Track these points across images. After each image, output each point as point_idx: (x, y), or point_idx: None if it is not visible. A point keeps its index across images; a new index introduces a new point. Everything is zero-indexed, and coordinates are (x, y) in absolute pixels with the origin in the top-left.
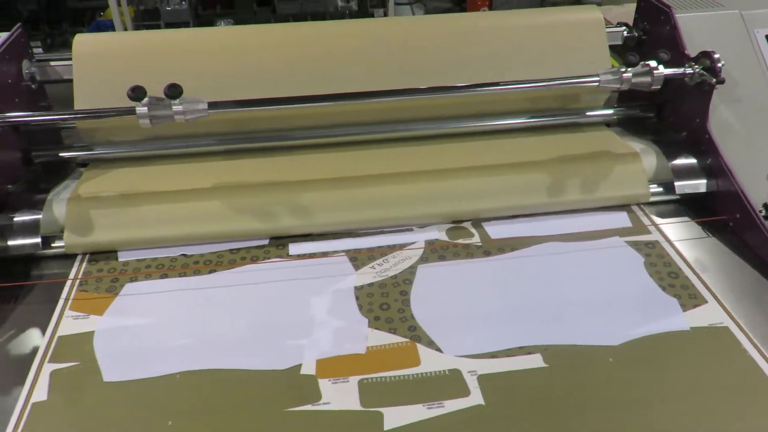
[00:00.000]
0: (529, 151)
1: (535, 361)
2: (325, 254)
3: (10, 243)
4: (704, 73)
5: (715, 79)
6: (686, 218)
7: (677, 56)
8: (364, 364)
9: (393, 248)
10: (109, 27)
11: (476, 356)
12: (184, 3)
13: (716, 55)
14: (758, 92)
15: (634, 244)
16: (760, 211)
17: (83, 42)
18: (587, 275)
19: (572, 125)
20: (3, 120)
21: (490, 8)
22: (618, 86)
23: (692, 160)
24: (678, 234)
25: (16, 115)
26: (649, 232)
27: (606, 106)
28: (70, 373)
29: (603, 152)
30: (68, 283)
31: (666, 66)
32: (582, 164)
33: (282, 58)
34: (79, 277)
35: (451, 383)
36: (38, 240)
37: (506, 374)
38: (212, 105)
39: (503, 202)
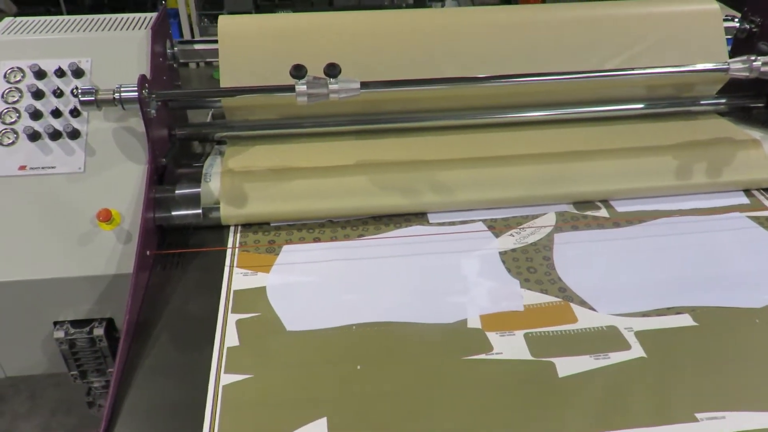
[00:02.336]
0: (650, 136)
1: (685, 320)
2: (463, 222)
3: (174, 213)
4: None
5: None
6: None
7: None
8: (525, 320)
9: (527, 218)
10: (172, 15)
11: (629, 315)
12: None
13: None
14: None
15: (756, 219)
16: None
17: (227, 23)
18: (718, 245)
19: (685, 113)
20: (179, 95)
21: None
22: (747, 74)
23: None
24: None
25: (197, 91)
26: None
27: (716, 95)
28: (253, 323)
29: (724, 139)
30: (231, 245)
31: None
32: (705, 150)
33: (414, 43)
34: (237, 245)
35: (610, 338)
36: (200, 211)
37: (661, 331)
38: (364, 84)
39: (631, 184)
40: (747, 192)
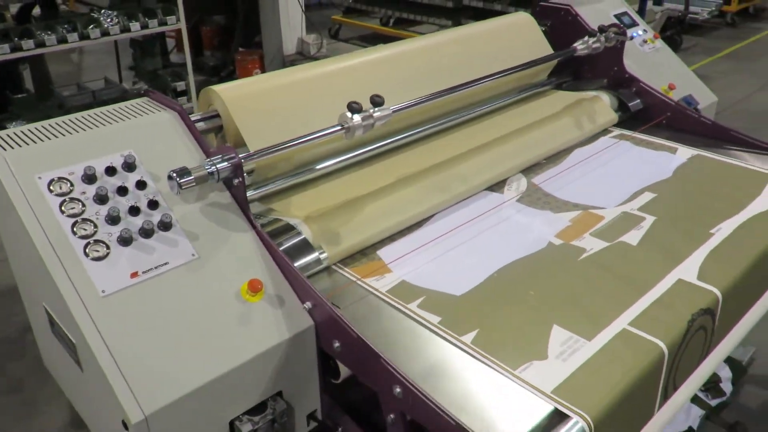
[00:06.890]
0: (539, 112)
1: (649, 195)
2: (475, 194)
3: (297, 264)
4: (618, 35)
5: (626, 38)
6: (641, 125)
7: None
8: (579, 228)
9: (505, 181)
10: None
11: (623, 203)
12: None
13: (619, 24)
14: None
15: (616, 137)
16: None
17: (228, 92)
18: (623, 159)
19: (537, 94)
20: (264, 152)
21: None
22: (587, 52)
23: (628, 90)
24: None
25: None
26: (612, 132)
27: (545, 79)
28: (429, 303)
29: (580, 100)
30: (350, 273)
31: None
32: (578, 109)
33: (392, 71)
34: (349, 270)
35: (630, 218)
36: (317, 254)
37: (648, 203)
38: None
39: (558, 142)
40: (604, 130)
